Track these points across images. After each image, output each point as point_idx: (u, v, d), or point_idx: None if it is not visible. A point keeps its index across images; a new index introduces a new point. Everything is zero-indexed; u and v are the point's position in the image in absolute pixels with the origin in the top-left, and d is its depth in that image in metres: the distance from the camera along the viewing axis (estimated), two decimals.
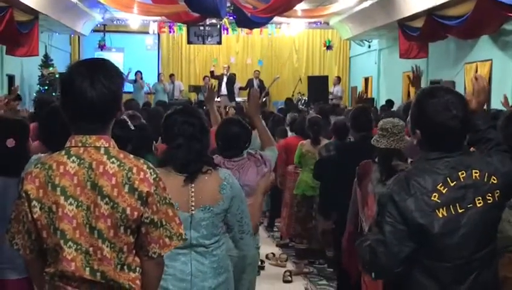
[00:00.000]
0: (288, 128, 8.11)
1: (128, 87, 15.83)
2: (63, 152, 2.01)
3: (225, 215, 2.78)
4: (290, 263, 6.75)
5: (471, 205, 2.22)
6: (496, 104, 7.97)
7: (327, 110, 9.15)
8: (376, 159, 3.85)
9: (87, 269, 1.96)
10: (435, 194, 2.21)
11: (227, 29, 16.58)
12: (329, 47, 17.87)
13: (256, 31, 16.94)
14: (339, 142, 5.76)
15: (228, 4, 13.34)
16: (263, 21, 14.35)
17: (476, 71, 10.31)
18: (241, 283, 3.48)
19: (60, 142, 2.09)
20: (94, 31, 16.63)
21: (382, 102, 13.21)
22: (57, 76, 13.38)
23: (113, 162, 1.98)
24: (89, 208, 1.95)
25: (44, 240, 1.98)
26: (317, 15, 14.85)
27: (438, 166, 2.25)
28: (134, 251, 2.04)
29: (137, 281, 2.03)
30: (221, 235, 2.82)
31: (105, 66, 2.04)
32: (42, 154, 2.93)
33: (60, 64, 14.39)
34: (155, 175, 2.02)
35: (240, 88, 16.29)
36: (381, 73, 16.07)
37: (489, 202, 2.24)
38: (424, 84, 7.98)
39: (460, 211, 2.21)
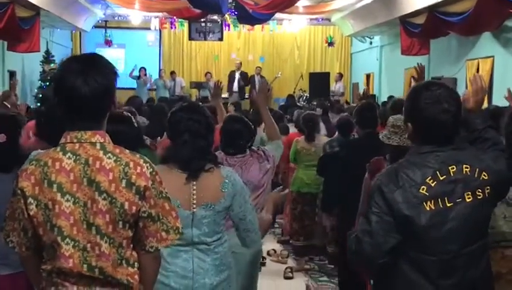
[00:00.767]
0: (293, 124, 8.07)
1: (131, 83, 15.87)
2: (58, 148, 2.00)
3: (227, 213, 2.77)
4: (291, 259, 6.75)
5: (460, 200, 2.23)
6: (498, 100, 7.97)
7: (326, 107, 9.15)
8: (387, 156, 3.82)
9: (85, 265, 1.96)
10: (423, 187, 2.22)
11: (228, 26, 16.58)
12: (330, 43, 17.85)
13: (257, 27, 16.95)
14: (342, 138, 5.75)
15: (230, 0, 13.34)
16: (265, 17, 14.33)
17: (478, 68, 10.31)
18: (244, 279, 3.48)
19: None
20: (95, 27, 16.64)
21: (384, 98, 13.19)
22: None
23: (109, 158, 1.98)
24: (86, 205, 1.95)
25: (41, 237, 1.98)
26: (319, 11, 14.83)
27: (429, 160, 2.26)
28: (132, 246, 2.04)
29: (136, 276, 2.04)
30: (223, 233, 2.81)
31: (97, 61, 2.03)
32: (42, 151, 2.93)
33: None
34: (151, 169, 2.03)
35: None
36: (382, 69, 16.05)
37: (479, 197, 2.24)
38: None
39: (448, 205, 2.22)
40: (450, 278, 2.23)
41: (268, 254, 6.75)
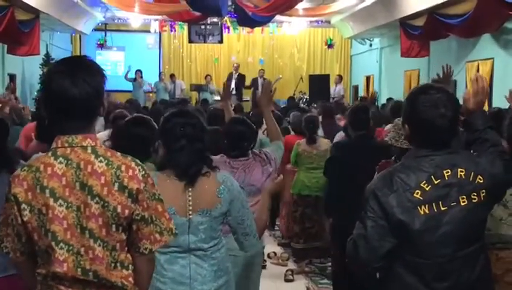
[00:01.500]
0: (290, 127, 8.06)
1: (127, 85, 15.87)
2: (50, 153, 2.00)
3: (224, 218, 2.75)
4: (292, 262, 6.74)
5: (454, 203, 2.23)
6: (498, 103, 7.97)
7: (331, 109, 9.04)
8: (394, 158, 3.80)
9: (79, 269, 1.96)
10: (417, 191, 2.22)
11: (228, 28, 16.59)
12: (330, 46, 17.86)
13: (257, 29, 16.96)
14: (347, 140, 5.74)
15: (229, 3, 13.35)
16: (264, 20, 14.34)
17: (478, 70, 10.30)
18: (245, 282, 3.47)
19: None
20: (95, 29, 16.66)
21: (383, 101, 13.20)
22: None
23: (101, 161, 1.97)
24: (79, 209, 1.95)
25: (36, 242, 1.98)
26: (319, 14, 14.84)
27: (424, 164, 2.26)
28: (126, 248, 2.04)
29: (130, 279, 2.04)
30: (221, 238, 2.79)
31: (85, 63, 2.03)
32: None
33: None
34: (143, 172, 2.03)
35: (245, 87, 16.23)
36: (382, 72, 16.06)
37: (474, 201, 2.24)
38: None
39: (443, 209, 2.22)
40: (445, 281, 2.23)
41: (268, 256, 6.74)
